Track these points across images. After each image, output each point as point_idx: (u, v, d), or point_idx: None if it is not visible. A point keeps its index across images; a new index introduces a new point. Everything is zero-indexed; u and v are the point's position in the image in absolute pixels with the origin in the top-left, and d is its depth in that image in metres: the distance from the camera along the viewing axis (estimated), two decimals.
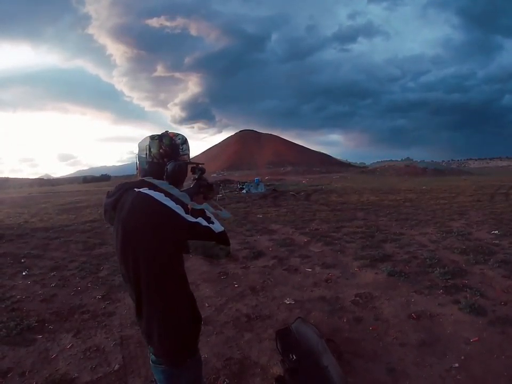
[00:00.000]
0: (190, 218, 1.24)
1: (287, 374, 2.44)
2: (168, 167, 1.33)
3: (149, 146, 1.36)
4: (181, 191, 1.39)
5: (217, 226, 1.31)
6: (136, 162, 1.42)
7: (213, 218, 1.36)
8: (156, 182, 1.26)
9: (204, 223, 1.27)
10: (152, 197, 1.23)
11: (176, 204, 1.24)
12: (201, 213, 1.36)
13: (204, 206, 1.28)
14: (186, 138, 1.44)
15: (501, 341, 2.83)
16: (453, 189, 16.89)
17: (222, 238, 1.31)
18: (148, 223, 1.22)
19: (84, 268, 5.36)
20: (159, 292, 1.29)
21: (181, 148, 1.41)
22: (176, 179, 1.37)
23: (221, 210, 1.33)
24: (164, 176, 1.33)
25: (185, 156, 1.43)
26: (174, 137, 1.41)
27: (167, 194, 1.27)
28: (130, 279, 1.33)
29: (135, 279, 1.30)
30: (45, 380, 2.60)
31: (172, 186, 1.26)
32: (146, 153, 1.37)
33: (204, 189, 1.52)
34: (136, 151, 1.43)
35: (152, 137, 1.38)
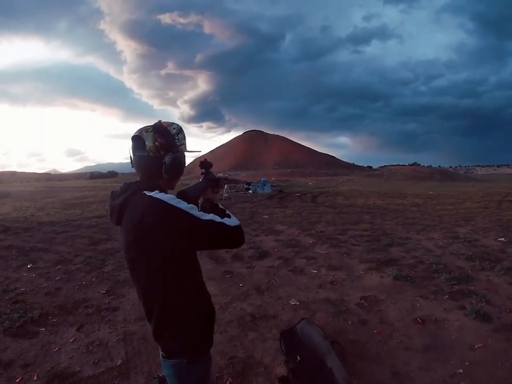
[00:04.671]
0: (204, 216, 1.21)
1: (290, 374, 2.43)
2: (166, 160, 1.27)
3: (143, 139, 1.28)
4: (191, 188, 1.38)
5: (232, 220, 1.29)
6: (131, 157, 1.33)
7: (227, 211, 1.34)
8: (164, 197, 1.20)
9: (217, 219, 1.25)
10: (165, 201, 1.19)
11: (189, 204, 1.22)
12: (214, 207, 1.35)
13: (211, 216, 1.26)
14: (181, 127, 1.36)
15: (506, 348, 2.80)
16: (460, 195, 16.73)
17: (236, 233, 1.29)
18: (162, 228, 1.17)
19: (89, 263, 5.39)
20: (174, 296, 1.28)
21: (177, 138, 1.33)
22: (176, 172, 1.33)
23: (229, 217, 1.31)
24: (163, 170, 1.28)
25: (182, 146, 1.36)
26: (168, 127, 1.32)
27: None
28: (141, 284, 1.31)
29: (147, 284, 1.29)
30: (46, 373, 2.61)
31: (179, 200, 1.21)
32: (140, 147, 1.29)
33: (212, 183, 1.53)
34: (129, 145, 1.33)
35: (146, 130, 1.29)
